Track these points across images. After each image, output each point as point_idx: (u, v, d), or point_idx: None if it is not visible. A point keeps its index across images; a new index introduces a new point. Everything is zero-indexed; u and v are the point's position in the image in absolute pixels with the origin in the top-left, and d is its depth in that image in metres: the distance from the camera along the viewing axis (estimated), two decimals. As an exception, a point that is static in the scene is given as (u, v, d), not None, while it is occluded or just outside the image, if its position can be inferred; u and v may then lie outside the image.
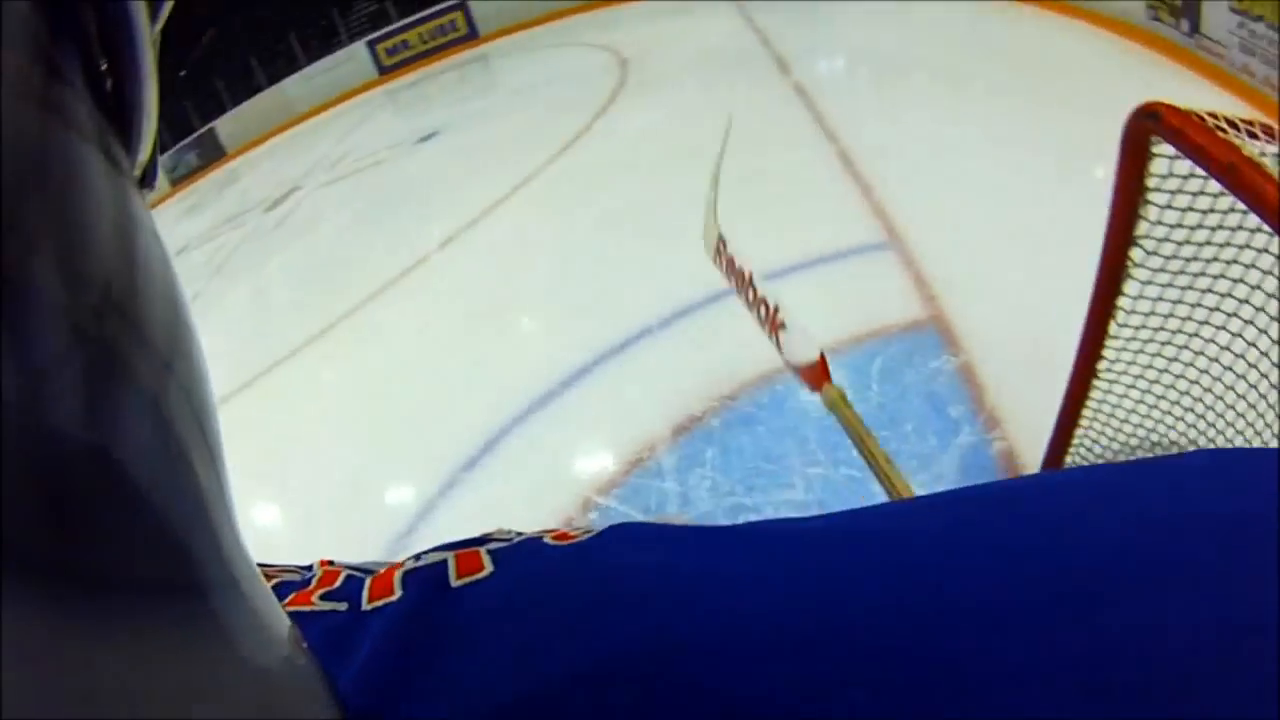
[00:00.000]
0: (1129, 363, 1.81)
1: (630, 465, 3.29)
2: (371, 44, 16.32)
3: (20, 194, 0.17)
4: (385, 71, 16.33)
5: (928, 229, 4.03)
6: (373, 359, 5.20)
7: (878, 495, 2.89)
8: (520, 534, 0.49)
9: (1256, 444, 1.61)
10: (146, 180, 0.29)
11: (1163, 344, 1.69)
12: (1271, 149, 1.30)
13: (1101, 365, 1.86)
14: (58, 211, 0.18)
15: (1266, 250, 1.39)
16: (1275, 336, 1.42)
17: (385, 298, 5.82)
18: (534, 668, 0.35)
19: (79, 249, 0.19)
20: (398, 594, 0.43)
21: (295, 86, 16.72)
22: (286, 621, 0.31)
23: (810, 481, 2.97)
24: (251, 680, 0.26)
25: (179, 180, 17.73)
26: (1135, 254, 1.61)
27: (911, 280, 3.70)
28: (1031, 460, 2.50)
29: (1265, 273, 1.40)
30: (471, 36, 15.76)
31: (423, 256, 6.17)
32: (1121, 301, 1.70)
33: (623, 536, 0.44)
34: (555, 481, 3.43)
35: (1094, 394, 1.95)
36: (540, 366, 4.06)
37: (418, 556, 0.47)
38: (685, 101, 7.53)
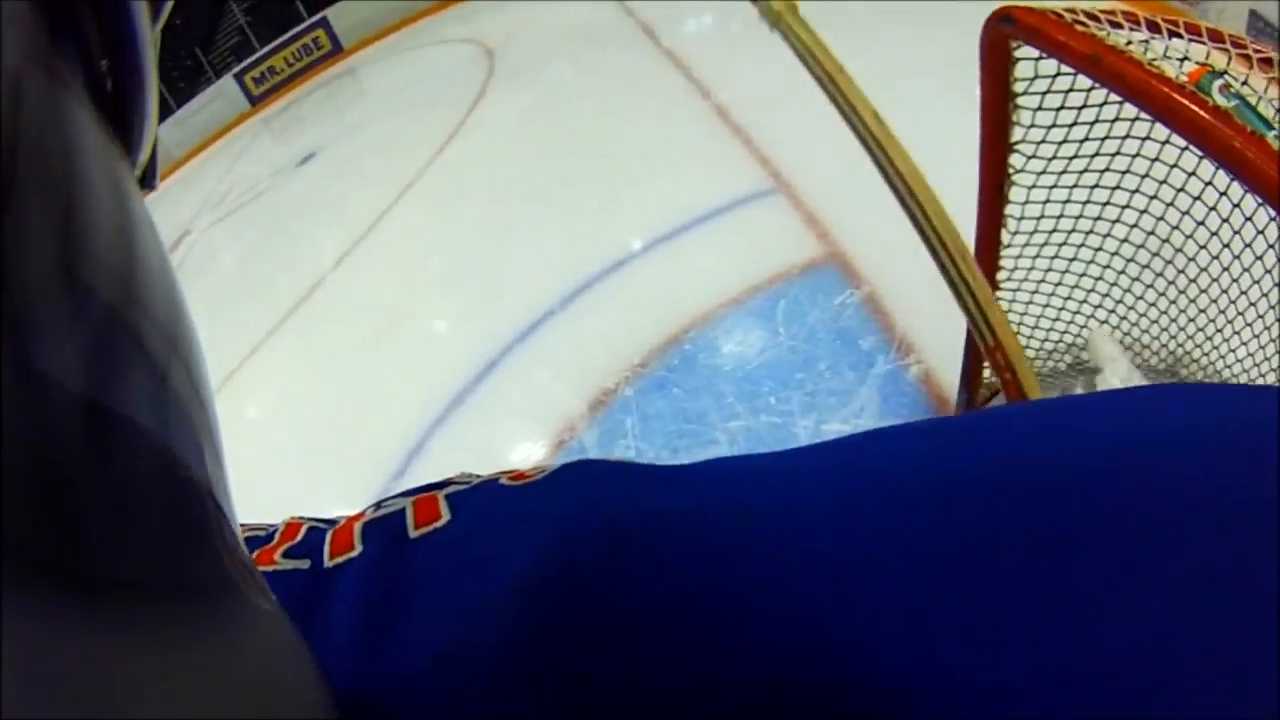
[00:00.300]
0: (1028, 269, 1.75)
1: (554, 448, 3.16)
2: (238, 76, 15.69)
3: (23, 193, 0.16)
4: (256, 101, 15.74)
5: (813, 168, 3.92)
6: (286, 390, 5.00)
7: (801, 440, 2.81)
8: (479, 477, 0.47)
9: (1169, 334, 1.57)
10: (147, 181, 0.28)
11: (1059, 246, 1.63)
12: (1139, 35, 1.23)
13: (1001, 275, 1.80)
14: (60, 210, 0.18)
15: (1149, 138, 1.31)
16: (1173, 223, 1.36)
17: (289, 326, 5.58)
18: (481, 600, 0.35)
19: (79, 253, 0.18)
20: (358, 549, 0.41)
21: (170, 132, 15.93)
22: (284, 616, 0.30)
23: (733, 435, 2.89)
24: (251, 677, 0.24)
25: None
26: (1015, 161, 1.54)
27: (803, 220, 3.60)
28: (951, 380, 2.43)
29: (1152, 160, 1.32)
30: (336, 51, 15.28)
31: (319, 279, 5.91)
32: (1010, 210, 1.63)
33: (577, 470, 0.44)
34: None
35: (999, 305, 1.89)
36: (450, 366, 3.90)
37: (378, 505, 0.46)
38: (556, 82, 7.34)
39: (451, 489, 0.45)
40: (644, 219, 4.19)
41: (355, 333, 4.98)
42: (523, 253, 4.60)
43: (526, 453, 3.23)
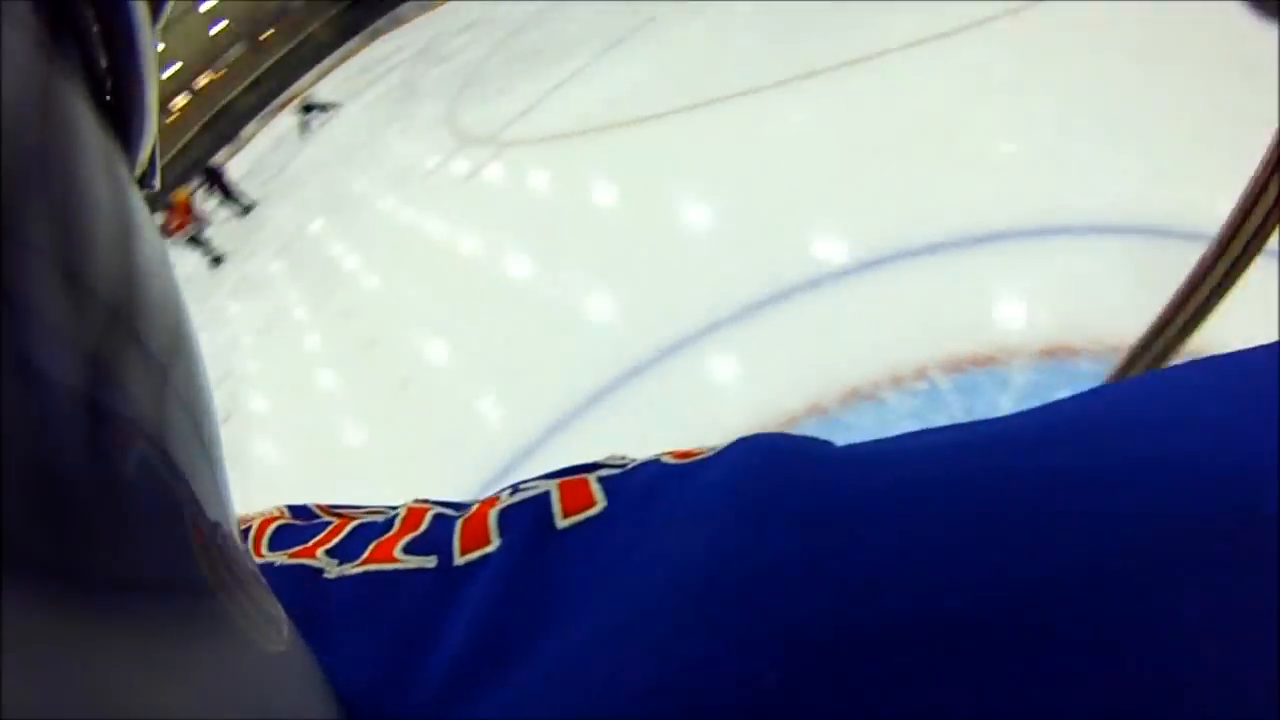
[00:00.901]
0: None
1: (843, 398, 2.77)
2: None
3: (21, 196, 0.16)
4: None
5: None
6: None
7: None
8: (633, 460, 0.37)
9: None
10: (146, 181, 0.27)
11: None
12: None
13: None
14: (58, 214, 0.17)
15: None
16: None
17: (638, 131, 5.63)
18: (644, 604, 0.27)
19: (79, 252, 0.18)
20: (495, 543, 0.34)
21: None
22: (285, 619, 0.28)
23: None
24: (250, 680, 0.23)
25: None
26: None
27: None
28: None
29: None
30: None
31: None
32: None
33: (753, 447, 0.32)
34: (787, 383, 2.98)
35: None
36: (793, 260, 3.55)
37: (514, 489, 0.37)
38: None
39: (604, 472, 0.36)
40: (1037, 198, 3.31)
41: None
42: (908, 179, 3.81)
43: (806, 395, 2.87)
